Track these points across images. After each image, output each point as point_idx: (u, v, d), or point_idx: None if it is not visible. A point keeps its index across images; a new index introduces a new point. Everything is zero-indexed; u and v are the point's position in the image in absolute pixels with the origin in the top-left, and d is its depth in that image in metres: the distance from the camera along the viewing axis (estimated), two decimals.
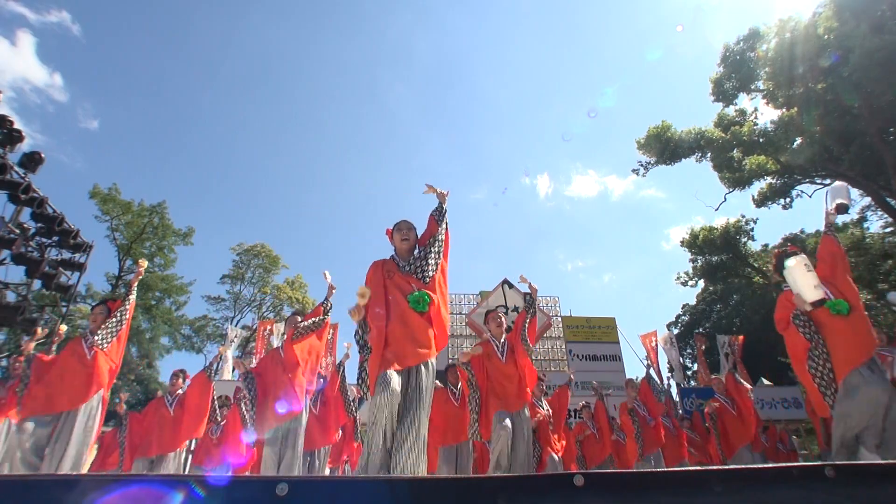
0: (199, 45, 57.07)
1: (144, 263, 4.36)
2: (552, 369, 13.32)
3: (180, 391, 4.98)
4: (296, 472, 3.78)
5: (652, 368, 6.89)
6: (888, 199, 16.24)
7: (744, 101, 19.19)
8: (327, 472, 5.77)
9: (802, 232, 22.96)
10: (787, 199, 19.54)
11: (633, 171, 21.28)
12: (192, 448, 6.38)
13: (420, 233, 2.92)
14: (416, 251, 2.74)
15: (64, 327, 4.72)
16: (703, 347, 8.39)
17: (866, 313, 3.28)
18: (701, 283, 24.47)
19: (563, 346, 14.16)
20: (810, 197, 19.52)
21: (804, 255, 3.34)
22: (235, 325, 22.77)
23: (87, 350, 3.67)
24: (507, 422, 3.61)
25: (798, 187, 19.51)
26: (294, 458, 3.82)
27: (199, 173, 49.90)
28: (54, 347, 4.32)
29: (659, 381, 6.68)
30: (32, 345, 3.96)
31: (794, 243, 19.88)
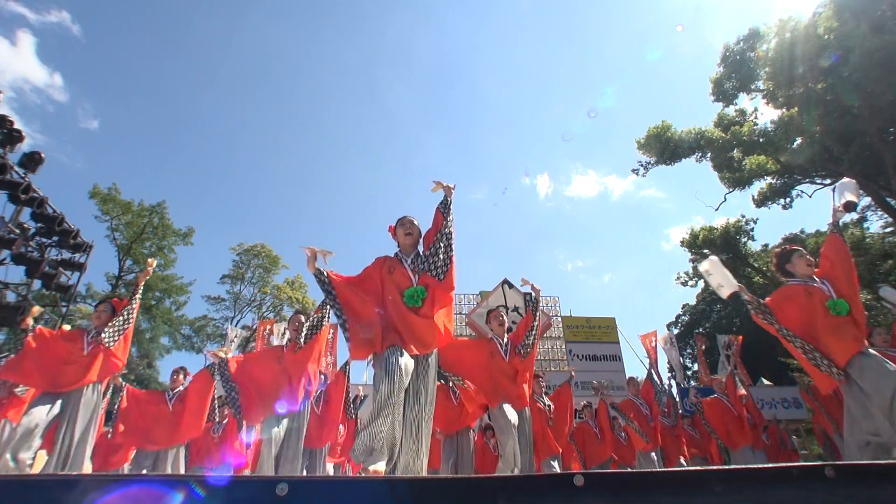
0: (199, 45, 57.10)
1: (153, 263, 4.36)
2: (552, 369, 13.32)
3: (181, 388, 4.98)
4: (296, 473, 3.77)
5: (654, 369, 6.89)
6: (888, 199, 16.24)
7: (744, 101, 19.23)
8: (329, 468, 5.76)
9: (802, 232, 22.96)
10: (787, 199, 19.55)
11: (633, 171, 21.32)
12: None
13: (424, 229, 2.90)
14: (429, 249, 2.68)
15: (67, 327, 4.73)
16: (703, 347, 8.37)
17: (866, 313, 3.27)
18: (701, 283, 24.47)
19: (563, 346, 14.16)
20: (810, 197, 19.56)
21: (714, 257, 3.65)
22: (235, 325, 22.76)
23: (87, 344, 3.68)
24: (514, 416, 3.62)
25: (798, 187, 19.53)
26: (295, 457, 3.81)
27: (199, 173, 49.94)
28: None
29: (659, 383, 6.68)
30: (30, 320, 3.94)
31: (794, 243, 19.88)
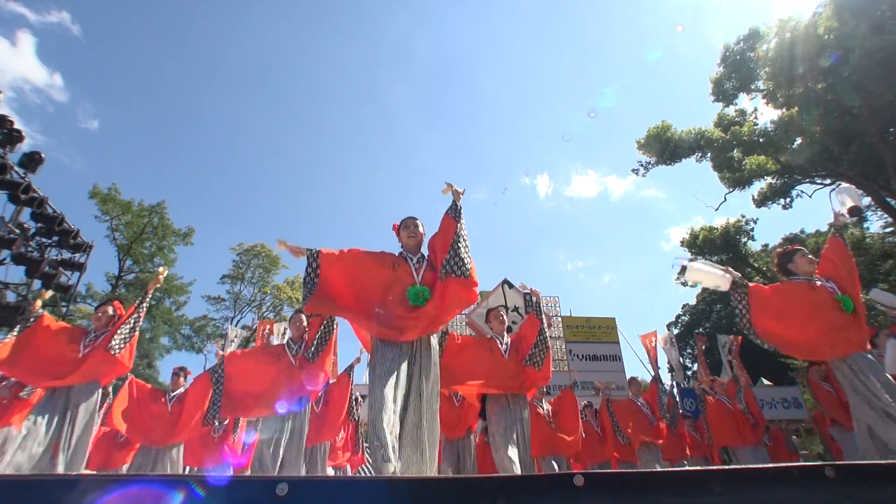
0: (199, 45, 57.10)
1: (164, 272, 4.38)
2: (552, 369, 13.29)
3: (181, 390, 4.98)
4: (297, 473, 3.77)
5: (658, 375, 6.90)
6: (888, 199, 16.24)
7: (744, 101, 19.22)
8: (329, 470, 5.76)
9: (802, 232, 22.96)
10: (787, 199, 19.54)
11: (633, 171, 21.31)
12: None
13: (428, 232, 2.91)
14: (449, 251, 2.66)
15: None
16: (704, 348, 8.38)
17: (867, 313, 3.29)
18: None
19: (563, 346, 14.15)
20: (810, 197, 19.55)
21: (688, 262, 3.61)
22: (235, 325, 22.77)
23: (83, 347, 3.65)
24: (509, 419, 3.62)
25: (798, 187, 19.52)
26: (297, 457, 3.80)
27: (199, 173, 49.96)
28: None
29: (662, 384, 6.66)
30: (39, 303, 3.89)
31: (794, 243, 19.88)
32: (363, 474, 6.92)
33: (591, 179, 65.95)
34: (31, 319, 3.76)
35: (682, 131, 19.16)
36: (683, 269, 3.60)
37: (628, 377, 10.72)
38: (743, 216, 22.12)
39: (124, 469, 5.29)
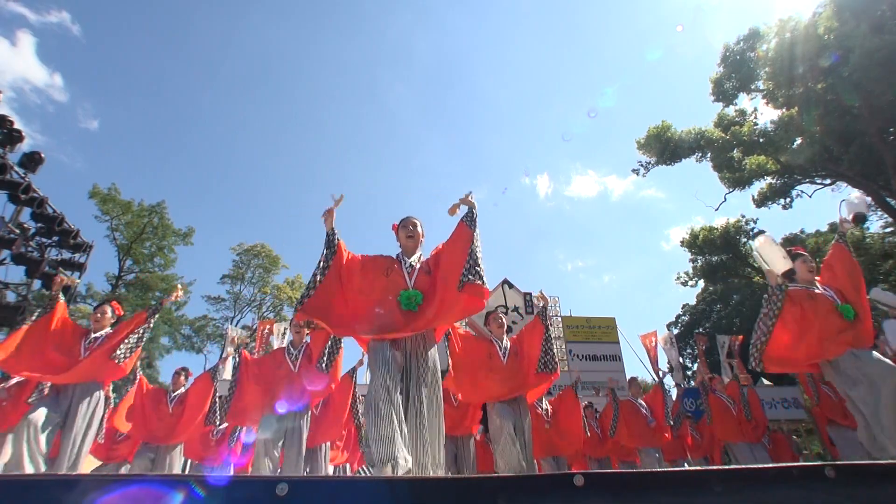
0: (199, 45, 57.13)
1: (181, 291, 4.44)
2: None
3: (182, 390, 4.99)
4: (298, 473, 3.77)
5: (664, 374, 6.90)
6: (888, 199, 16.25)
7: (744, 101, 19.22)
8: (331, 469, 5.75)
9: (802, 232, 22.96)
10: (787, 199, 19.54)
11: (633, 171, 21.32)
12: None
13: (427, 233, 2.91)
14: (469, 259, 2.65)
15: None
16: (704, 347, 8.37)
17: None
18: (701, 283, 24.46)
19: (564, 346, 14.15)
20: (810, 197, 19.55)
21: (769, 234, 3.49)
22: (235, 325, 22.77)
23: (84, 349, 3.64)
24: (508, 427, 3.62)
25: (798, 187, 19.52)
26: (297, 457, 3.80)
27: (199, 173, 49.91)
28: None
29: (670, 392, 6.65)
30: (59, 288, 3.84)
31: (794, 243, 19.88)
32: (363, 474, 6.91)
33: (591, 179, 65.99)
34: (48, 308, 3.71)
35: (682, 131, 19.16)
36: (760, 234, 3.61)
37: (628, 377, 10.71)
38: (743, 216, 22.14)
39: (125, 467, 5.30)
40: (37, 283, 10.22)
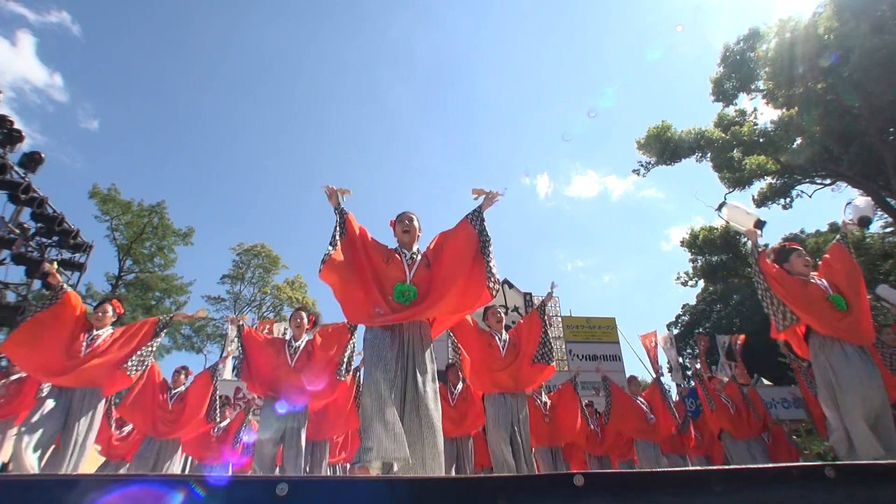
0: (199, 45, 57.11)
1: (202, 313, 4.48)
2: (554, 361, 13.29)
3: (182, 388, 5.00)
4: (297, 473, 3.76)
5: (661, 374, 6.90)
6: (888, 199, 16.24)
7: (744, 101, 19.19)
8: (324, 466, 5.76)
9: (802, 232, 22.95)
10: (787, 199, 19.52)
11: (634, 171, 21.29)
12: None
13: (425, 228, 2.91)
14: (486, 258, 2.66)
15: None
16: (705, 347, 8.35)
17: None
18: (701, 283, 24.45)
19: (563, 346, 14.16)
20: (810, 197, 19.53)
21: (729, 201, 3.55)
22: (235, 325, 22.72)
23: (85, 347, 3.60)
24: (505, 412, 3.65)
25: (798, 187, 19.50)
26: (297, 457, 3.80)
27: (199, 173, 49.87)
28: None
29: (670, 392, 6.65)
30: (57, 275, 3.74)
31: (794, 243, 19.85)
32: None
33: (591, 179, 66.02)
34: (56, 298, 3.62)
35: (682, 131, 19.15)
36: (722, 205, 3.65)
37: (628, 376, 10.71)
38: None
39: (125, 466, 5.31)
40: (37, 283, 10.22)
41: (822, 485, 0.99)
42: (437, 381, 2.50)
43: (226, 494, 0.94)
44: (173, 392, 4.93)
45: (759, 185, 19.70)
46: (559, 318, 14.70)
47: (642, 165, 20.85)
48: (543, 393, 5.66)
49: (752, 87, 17.83)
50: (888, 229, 17.73)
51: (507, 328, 4.19)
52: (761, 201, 19.74)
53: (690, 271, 23.67)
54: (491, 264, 2.64)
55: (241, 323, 4.21)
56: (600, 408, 6.98)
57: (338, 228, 2.68)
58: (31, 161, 9.59)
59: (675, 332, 27.05)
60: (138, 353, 3.74)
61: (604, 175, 67.84)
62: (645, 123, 30.94)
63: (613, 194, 63.15)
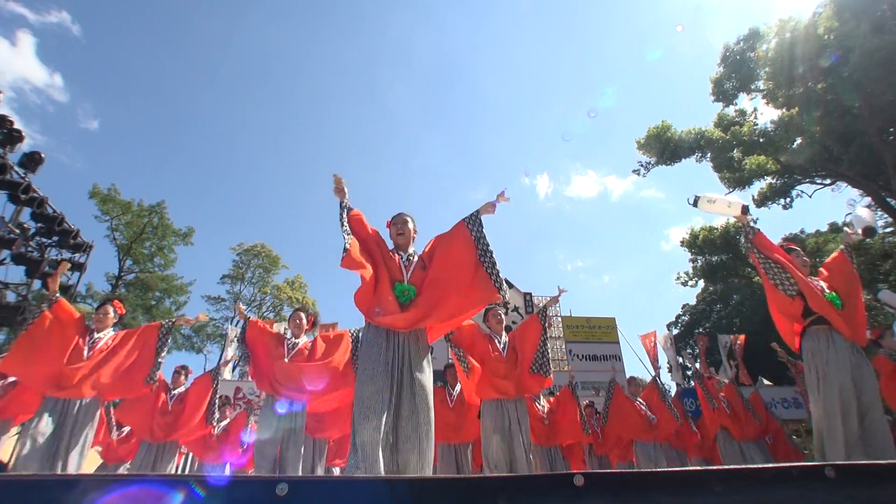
0: (199, 45, 57.10)
1: (203, 317, 4.50)
2: (552, 369, 13.28)
3: (181, 388, 5.00)
4: (297, 472, 3.76)
5: (660, 374, 6.91)
6: (888, 199, 16.23)
7: (744, 101, 19.21)
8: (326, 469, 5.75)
9: (802, 232, 22.93)
10: (787, 199, 19.52)
11: (634, 171, 21.30)
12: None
13: (421, 229, 2.91)
14: (489, 261, 2.64)
15: None
16: (705, 347, 8.35)
17: (866, 314, 3.33)
18: (701, 283, 24.45)
19: (563, 346, 14.15)
20: (810, 197, 19.53)
21: (700, 194, 3.62)
22: (235, 325, 22.75)
23: (87, 350, 3.60)
24: (501, 417, 3.64)
25: (798, 187, 19.50)
26: (296, 457, 3.80)
27: (199, 173, 49.84)
28: None
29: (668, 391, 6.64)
30: (59, 280, 3.76)
31: (794, 243, 19.87)
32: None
33: (591, 179, 66.02)
34: (45, 305, 3.61)
35: (682, 131, 19.16)
36: (696, 199, 3.62)
37: (628, 377, 10.70)
38: None
39: (125, 467, 5.30)
40: (37, 283, 10.21)
41: (822, 485, 0.99)
42: (431, 395, 2.47)
43: (226, 494, 0.94)
44: (173, 392, 4.93)
45: (759, 185, 19.71)
46: (559, 318, 14.69)
47: (642, 165, 20.87)
48: (542, 397, 5.68)
49: (752, 87, 17.83)
50: (888, 229, 17.72)
51: (508, 329, 4.19)
52: (761, 201, 19.75)
53: (690, 271, 23.68)
54: (492, 271, 2.60)
55: (247, 316, 4.22)
56: (600, 408, 6.98)
57: (346, 224, 2.67)
58: (31, 161, 9.58)
59: (675, 332, 27.04)
60: (155, 364, 3.76)
61: (604, 175, 67.92)
62: (645, 123, 30.98)
63: (613, 194, 63.19)
